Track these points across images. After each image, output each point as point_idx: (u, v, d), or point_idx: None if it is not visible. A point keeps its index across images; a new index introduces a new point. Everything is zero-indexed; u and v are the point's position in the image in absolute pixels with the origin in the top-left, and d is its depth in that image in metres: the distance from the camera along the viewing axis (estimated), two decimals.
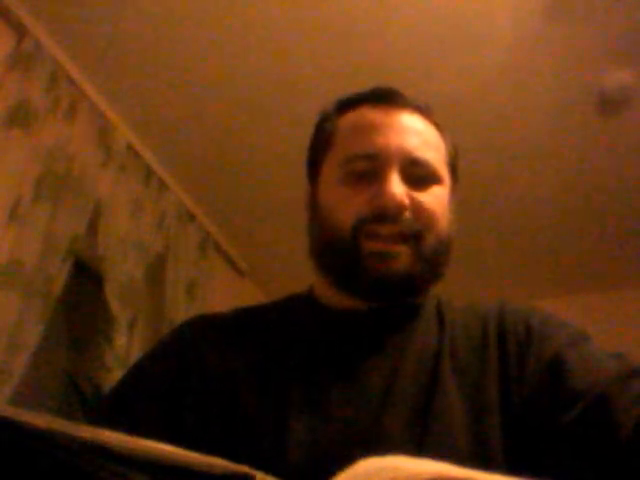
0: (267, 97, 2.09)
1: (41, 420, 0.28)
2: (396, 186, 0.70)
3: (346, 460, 0.37)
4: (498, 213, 2.56)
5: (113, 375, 1.86)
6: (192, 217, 2.46)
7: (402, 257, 0.69)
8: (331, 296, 0.76)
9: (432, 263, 0.72)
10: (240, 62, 1.98)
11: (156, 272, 2.22)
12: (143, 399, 0.71)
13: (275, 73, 2.01)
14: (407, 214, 0.70)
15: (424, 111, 0.78)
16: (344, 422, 0.63)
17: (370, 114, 0.76)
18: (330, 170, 0.77)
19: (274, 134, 2.21)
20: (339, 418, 0.64)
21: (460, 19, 1.85)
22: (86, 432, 0.29)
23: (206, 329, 0.77)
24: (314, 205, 0.78)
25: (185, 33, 1.89)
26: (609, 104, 2.07)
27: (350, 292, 0.73)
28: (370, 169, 0.72)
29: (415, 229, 0.70)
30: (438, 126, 0.79)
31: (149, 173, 2.22)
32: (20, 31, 1.76)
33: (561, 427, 0.60)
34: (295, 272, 2.23)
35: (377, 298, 0.72)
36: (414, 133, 0.75)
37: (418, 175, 0.73)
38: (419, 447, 0.60)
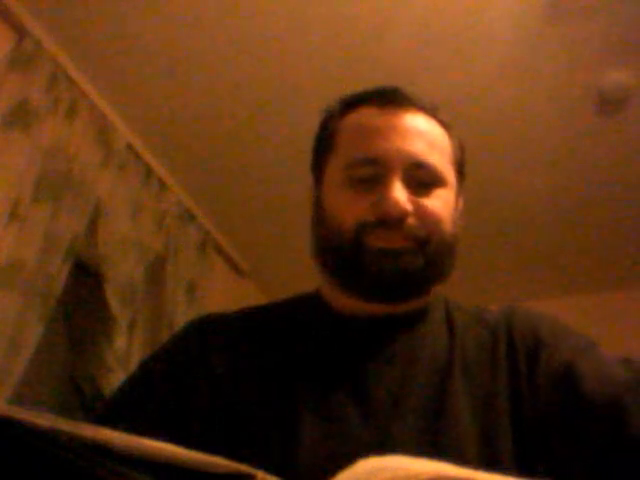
0: (267, 97, 2.09)
1: (42, 419, 0.28)
2: (398, 192, 0.69)
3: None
4: (498, 213, 2.56)
5: (113, 375, 1.86)
6: (192, 217, 2.46)
7: (405, 255, 0.69)
8: (338, 298, 0.75)
9: (436, 264, 0.71)
10: (240, 62, 1.98)
11: (156, 272, 2.22)
12: (149, 400, 0.70)
13: (275, 73, 2.01)
14: (411, 220, 0.69)
15: (429, 110, 0.76)
16: (352, 434, 0.63)
17: (372, 116, 0.75)
18: (333, 172, 0.76)
19: (274, 134, 2.21)
20: (347, 423, 0.63)
21: (460, 19, 1.85)
22: (87, 431, 0.29)
23: (212, 329, 0.76)
24: (318, 206, 0.77)
25: (185, 33, 1.89)
26: (609, 104, 2.07)
27: (353, 291, 0.72)
28: (373, 174, 0.71)
29: (419, 235, 0.70)
30: (444, 124, 0.77)
31: (149, 173, 2.22)
32: (20, 31, 1.76)
33: (576, 434, 0.60)
34: (295, 272, 2.23)
35: (380, 296, 0.71)
36: (417, 135, 0.73)
37: (422, 179, 0.71)
38: (428, 456, 0.60)
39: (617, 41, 1.88)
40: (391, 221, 0.68)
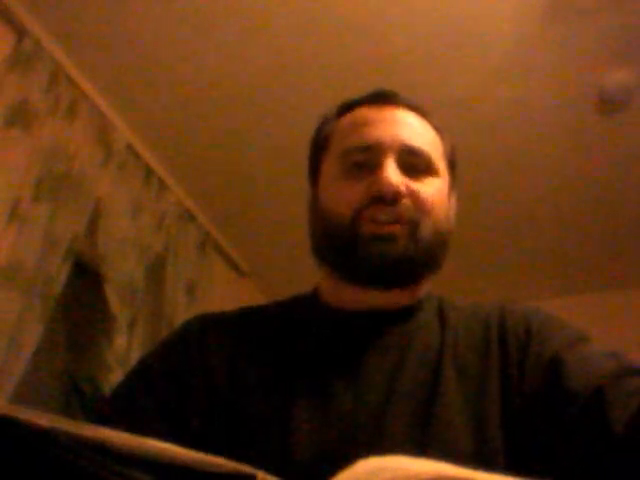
0: (267, 97, 2.09)
1: (43, 419, 0.28)
2: (392, 172, 0.71)
3: (349, 459, 0.37)
4: (497, 212, 2.56)
5: (113, 375, 1.86)
6: (192, 217, 2.46)
7: (399, 240, 0.70)
8: (334, 292, 0.77)
9: (428, 251, 0.72)
10: (240, 62, 1.98)
11: (156, 272, 2.22)
12: (147, 398, 0.70)
13: (275, 73, 2.01)
14: (405, 201, 0.71)
15: (420, 110, 0.80)
16: (347, 421, 0.64)
17: (366, 112, 0.78)
18: (328, 167, 0.78)
19: (274, 134, 2.21)
20: (342, 417, 0.64)
21: (460, 19, 1.85)
22: (88, 431, 0.29)
23: (210, 328, 0.77)
24: (315, 204, 0.79)
25: (185, 33, 1.89)
26: (609, 104, 2.07)
27: (349, 278, 0.74)
28: (367, 160, 0.74)
29: (412, 215, 0.71)
30: (435, 126, 0.80)
31: (149, 173, 2.22)
32: (20, 31, 1.76)
33: (559, 426, 0.60)
34: (295, 272, 2.23)
35: (374, 282, 0.73)
36: (409, 126, 0.76)
37: (414, 165, 0.74)
38: (421, 446, 0.60)
39: (617, 41, 1.88)
40: (386, 199, 0.70)
